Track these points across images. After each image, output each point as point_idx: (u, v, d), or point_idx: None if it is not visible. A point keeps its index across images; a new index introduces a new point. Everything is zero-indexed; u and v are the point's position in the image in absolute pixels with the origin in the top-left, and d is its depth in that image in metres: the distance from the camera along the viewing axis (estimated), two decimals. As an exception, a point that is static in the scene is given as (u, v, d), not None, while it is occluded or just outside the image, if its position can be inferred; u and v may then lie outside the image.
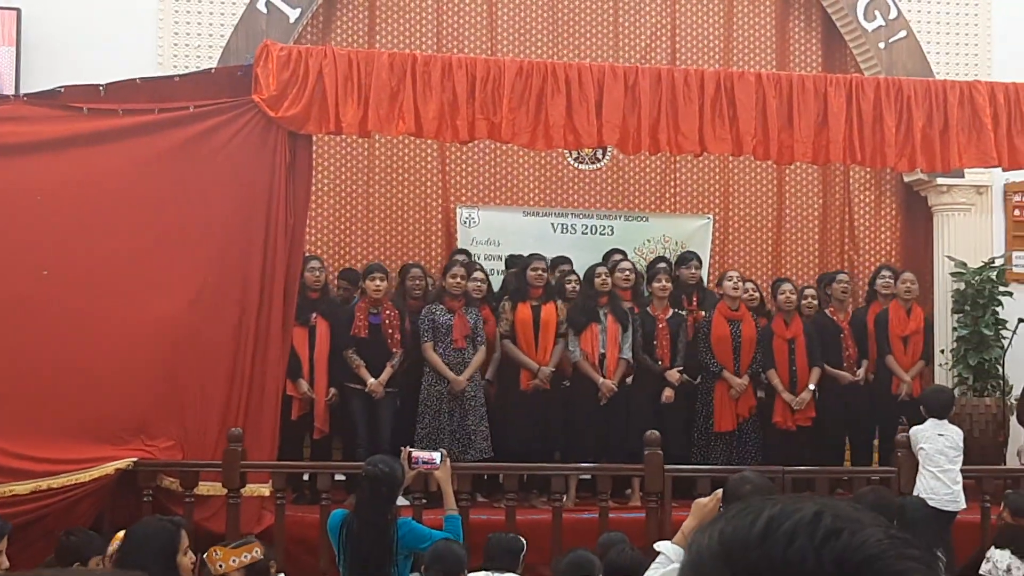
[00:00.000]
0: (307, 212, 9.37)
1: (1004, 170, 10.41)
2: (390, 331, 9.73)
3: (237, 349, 8.55)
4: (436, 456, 7.07)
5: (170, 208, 8.56)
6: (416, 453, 7.08)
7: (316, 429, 9.83)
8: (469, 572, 6.05)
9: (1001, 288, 11.45)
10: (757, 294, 10.77)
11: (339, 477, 9.33)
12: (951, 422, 8.74)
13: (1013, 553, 6.90)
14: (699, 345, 10.18)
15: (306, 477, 9.62)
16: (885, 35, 12.08)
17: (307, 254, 10.01)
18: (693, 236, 12.01)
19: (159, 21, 11.10)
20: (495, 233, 11.63)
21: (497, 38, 12.42)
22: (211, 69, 9.78)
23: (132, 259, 8.44)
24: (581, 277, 10.33)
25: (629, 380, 10.05)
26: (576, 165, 12.44)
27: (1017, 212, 12.36)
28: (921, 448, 8.46)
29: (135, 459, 8.12)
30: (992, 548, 7.08)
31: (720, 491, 4.75)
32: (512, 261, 10.87)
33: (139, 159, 8.58)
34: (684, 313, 10.48)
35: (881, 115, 9.37)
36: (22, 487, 7.86)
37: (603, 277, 10.01)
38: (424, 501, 7.97)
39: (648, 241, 11.89)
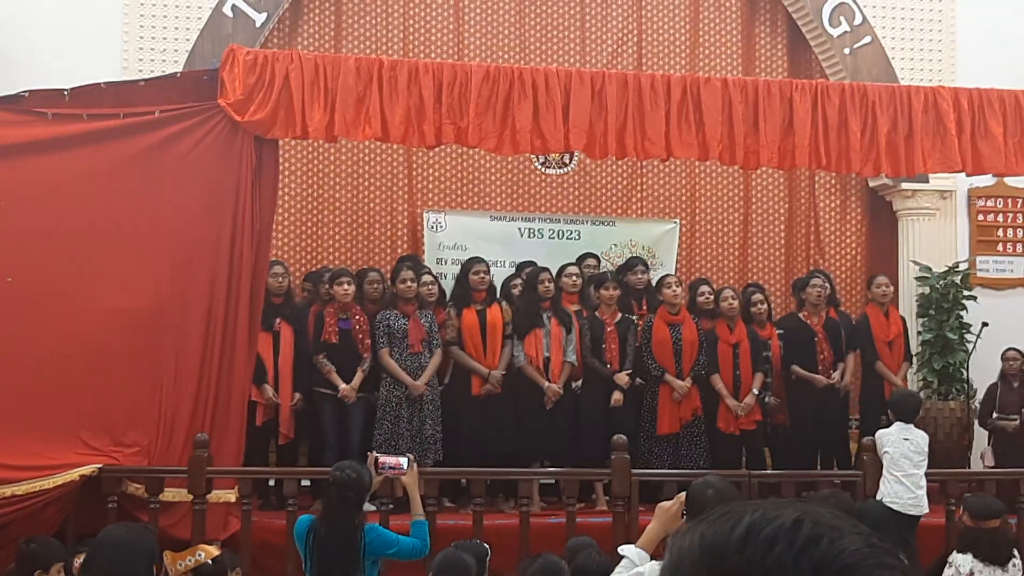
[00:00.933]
0: (273, 217, 9.34)
1: (968, 175, 10.48)
2: (360, 336, 9.71)
3: (203, 355, 8.50)
4: (403, 461, 7.05)
5: (136, 213, 8.50)
6: (383, 458, 7.07)
7: (281, 435, 9.81)
8: None
9: (965, 292, 11.53)
10: (712, 297, 10.75)
11: (305, 483, 9.29)
12: (916, 426, 8.78)
13: (975, 557, 6.92)
14: (641, 349, 10.19)
15: (272, 483, 9.59)
16: (850, 41, 12.15)
17: (271, 259, 9.97)
18: (660, 240, 12.03)
19: (124, 25, 11.06)
20: (462, 238, 11.62)
21: (464, 43, 12.42)
22: (177, 73, 9.74)
23: (97, 265, 8.39)
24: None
25: (575, 384, 10.06)
26: (543, 170, 12.45)
27: (981, 217, 12.45)
28: (886, 452, 8.48)
29: (100, 465, 8.06)
30: (954, 553, 7.11)
31: (683, 495, 4.77)
32: (470, 264, 10.85)
33: (104, 164, 8.53)
34: (632, 317, 10.48)
35: (846, 120, 9.41)
36: (-14, 494, 7.81)
37: (546, 283, 10.00)
38: (391, 506, 7.96)
39: (615, 245, 11.90)
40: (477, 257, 10.28)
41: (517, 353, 9.90)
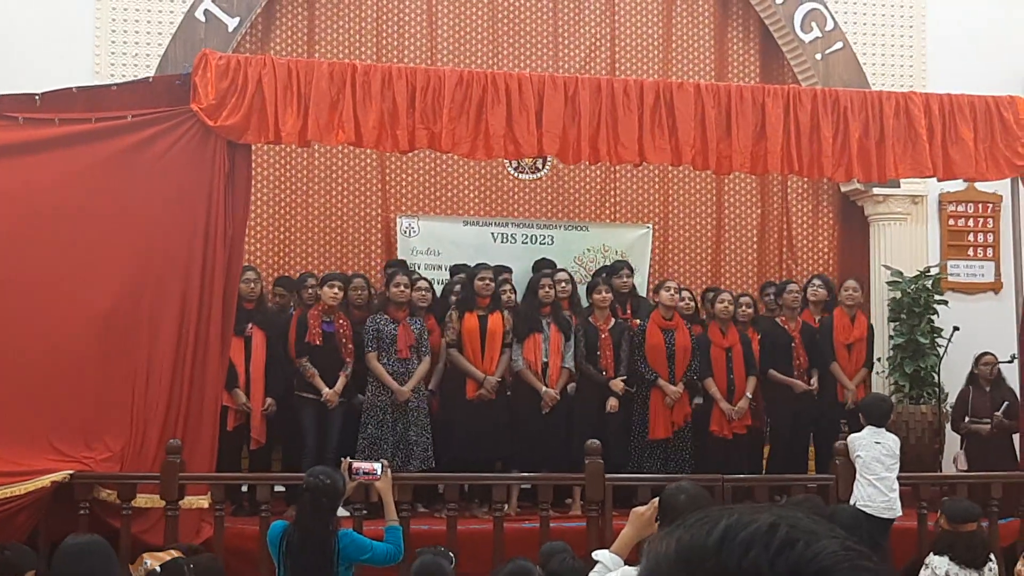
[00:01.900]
0: (246, 222, 9.30)
1: (939, 180, 10.53)
2: (343, 340, 9.70)
3: (176, 360, 8.46)
4: (377, 467, 7.05)
5: (108, 218, 8.46)
6: (356, 464, 7.06)
7: (253, 440, 9.78)
8: None
9: (937, 297, 11.59)
10: (693, 303, 10.79)
11: (279, 488, 9.27)
12: (888, 430, 8.82)
13: (952, 559, 6.96)
14: (633, 354, 10.20)
15: (244, 488, 9.55)
16: (822, 46, 12.21)
17: (243, 264, 9.94)
18: (633, 245, 12.06)
19: (96, 30, 11.02)
20: (435, 243, 11.63)
21: (437, 48, 12.42)
22: (149, 78, 9.73)
23: (69, 270, 8.34)
24: (517, 287, 10.37)
25: (571, 389, 10.07)
26: (516, 175, 12.47)
27: (952, 222, 12.53)
28: (858, 456, 8.52)
29: (71, 471, 8.01)
30: (931, 555, 7.14)
31: (656, 500, 4.77)
32: (457, 271, 10.86)
33: (76, 169, 8.49)
34: (625, 323, 10.49)
35: (818, 125, 9.44)
36: (-44, 502, 7.76)
37: (547, 288, 10.02)
38: (365, 512, 7.95)
39: (588, 250, 11.92)
40: (483, 264, 10.37)
41: (516, 357, 9.91)
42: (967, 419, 10.71)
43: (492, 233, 11.84)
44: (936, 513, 7.91)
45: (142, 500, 8.15)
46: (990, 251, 12.56)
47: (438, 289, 10.73)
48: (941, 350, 11.28)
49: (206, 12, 11.12)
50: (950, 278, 12.28)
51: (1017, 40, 12.40)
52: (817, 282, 11.04)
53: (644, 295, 11.36)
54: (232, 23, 11.19)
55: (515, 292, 10.36)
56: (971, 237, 12.57)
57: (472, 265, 10.64)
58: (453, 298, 10.26)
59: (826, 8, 12.26)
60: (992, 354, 10.74)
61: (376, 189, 12.24)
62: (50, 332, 8.26)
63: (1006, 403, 10.49)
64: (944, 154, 9.68)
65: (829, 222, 13.00)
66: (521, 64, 12.35)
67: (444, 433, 9.74)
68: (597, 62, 12.70)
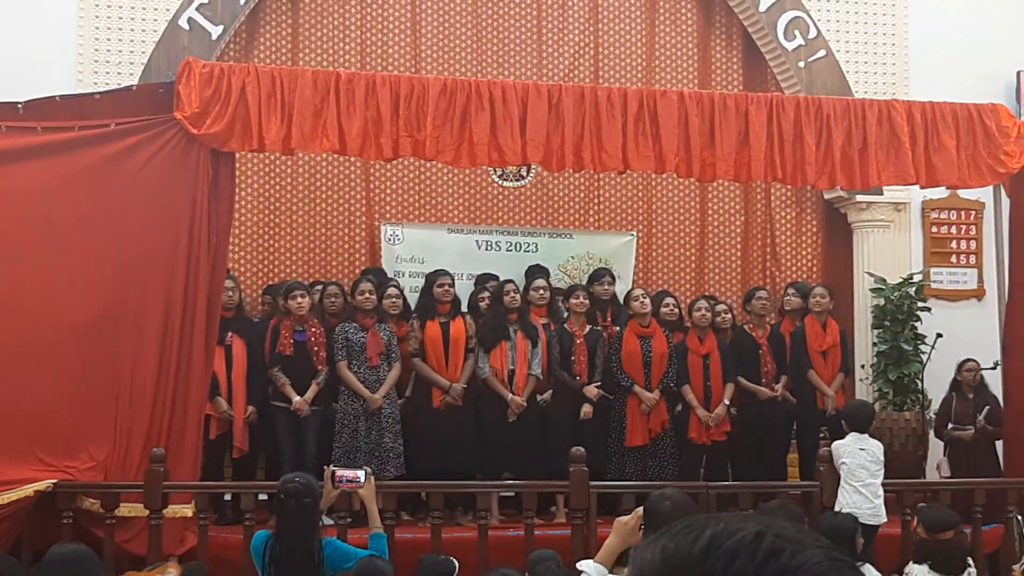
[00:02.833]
0: (230, 230, 9.29)
1: (922, 187, 10.54)
2: (315, 348, 9.69)
3: (159, 369, 8.43)
4: (360, 474, 7.02)
5: (91, 227, 8.43)
6: (340, 471, 7.04)
7: (235, 448, 9.76)
8: None
9: (920, 304, 11.62)
10: (677, 309, 10.79)
11: (262, 497, 9.24)
12: (872, 436, 8.83)
13: (931, 568, 6.97)
14: (609, 360, 10.20)
15: (228, 497, 9.52)
16: (805, 54, 12.24)
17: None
18: (617, 253, 12.07)
19: (79, 37, 11.00)
20: (419, 250, 11.62)
21: (421, 56, 12.42)
22: (132, 86, 9.69)
23: (52, 279, 8.32)
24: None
25: (541, 397, 10.06)
26: (500, 182, 12.47)
27: (935, 229, 12.56)
28: (843, 462, 8.54)
29: (55, 480, 7.98)
30: (911, 563, 7.16)
31: (641, 509, 4.77)
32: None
33: (59, 177, 8.46)
34: (600, 329, 10.50)
35: (801, 133, 9.46)
36: (-61, 512, 7.72)
37: (512, 294, 10.01)
38: (348, 520, 7.93)
39: (572, 258, 11.93)
40: (442, 270, 10.26)
41: (482, 365, 9.89)
42: (950, 426, 10.73)
43: (476, 241, 11.85)
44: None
45: (125, 509, 8.12)
46: (973, 258, 12.60)
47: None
48: (924, 357, 11.30)
49: (190, 20, 11.11)
50: (933, 285, 12.32)
51: (999, 48, 12.45)
52: (791, 290, 11.09)
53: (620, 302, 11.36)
54: (216, 31, 11.17)
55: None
56: (954, 244, 12.61)
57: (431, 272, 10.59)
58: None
59: (809, 16, 12.29)
60: (975, 361, 10.77)
61: (360, 197, 12.22)
62: (33, 341, 8.23)
63: (987, 407, 10.52)
64: (927, 161, 9.70)
65: (812, 229, 13.02)
66: (505, 72, 12.35)
67: (414, 440, 9.73)
68: (581, 70, 12.72)
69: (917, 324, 11.56)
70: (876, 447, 8.71)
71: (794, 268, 12.90)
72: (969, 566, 7.11)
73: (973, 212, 12.53)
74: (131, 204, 8.52)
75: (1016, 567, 7.32)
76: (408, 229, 11.80)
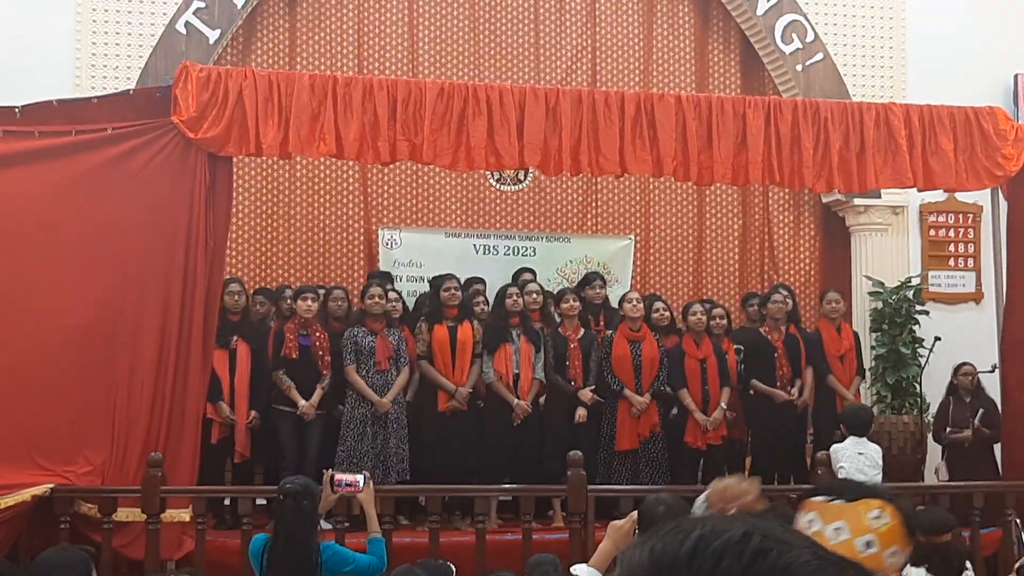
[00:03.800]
0: (228, 234, 9.28)
1: (919, 191, 10.56)
2: (320, 353, 9.67)
3: (157, 373, 8.43)
4: (359, 479, 7.02)
5: (88, 230, 8.43)
6: (339, 476, 7.03)
7: (237, 453, 9.73)
8: None
9: (918, 307, 11.62)
10: (668, 313, 10.77)
11: (260, 501, 9.24)
12: (870, 440, 8.83)
13: (929, 571, 6.96)
14: (600, 364, 10.20)
15: (227, 502, 9.51)
16: (802, 57, 12.25)
17: (227, 276, 9.91)
18: (615, 257, 12.07)
19: (76, 42, 11.00)
20: (417, 254, 11.62)
21: (418, 59, 12.43)
22: (129, 90, 9.68)
23: (49, 283, 8.31)
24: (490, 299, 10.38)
25: (542, 400, 10.06)
26: (498, 186, 12.47)
27: (933, 232, 12.56)
28: (841, 466, 8.54)
29: (52, 485, 7.97)
30: (908, 566, 7.15)
31: (635, 513, 4.77)
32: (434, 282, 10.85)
33: (56, 181, 8.46)
34: (595, 333, 10.48)
35: (799, 136, 9.47)
36: (-64, 517, 7.71)
37: (514, 298, 10.00)
38: (347, 524, 7.92)
39: (570, 262, 11.93)
40: (449, 274, 10.24)
41: (487, 369, 9.88)
42: (948, 429, 10.73)
43: (474, 245, 11.85)
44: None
45: (123, 514, 8.11)
46: (971, 261, 12.60)
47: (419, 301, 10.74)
48: (923, 360, 11.30)
49: (187, 24, 11.11)
50: (931, 288, 12.32)
51: (997, 51, 12.46)
52: (783, 292, 11.04)
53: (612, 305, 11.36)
54: (213, 35, 11.18)
55: (487, 303, 10.35)
56: (952, 247, 12.62)
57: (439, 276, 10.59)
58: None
59: (806, 20, 12.30)
60: (971, 364, 10.76)
61: (358, 201, 12.22)
62: (30, 345, 8.22)
63: (981, 411, 10.52)
64: (924, 165, 9.71)
65: (810, 233, 13.03)
66: (502, 76, 12.35)
67: (417, 445, 9.72)
68: (578, 74, 12.73)
69: (915, 327, 11.57)
70: (875, 451, 8.72)
71: (792, 272, 12.91)
72: (967, 569, 7.10)
73: (971, 215, 12.53)
74: (128, 208, 8.52)
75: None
76: (405, 233, 11.80)
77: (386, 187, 12.33)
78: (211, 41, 11.18)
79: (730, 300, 12.37)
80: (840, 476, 8.51)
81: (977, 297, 12.50)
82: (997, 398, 10.46)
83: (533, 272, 11.13)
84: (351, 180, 12.23)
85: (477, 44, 12.59)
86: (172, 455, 8.30)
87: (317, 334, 9.72)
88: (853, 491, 2.76)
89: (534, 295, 10.31)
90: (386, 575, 6.54)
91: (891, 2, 12.54)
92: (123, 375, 8.39)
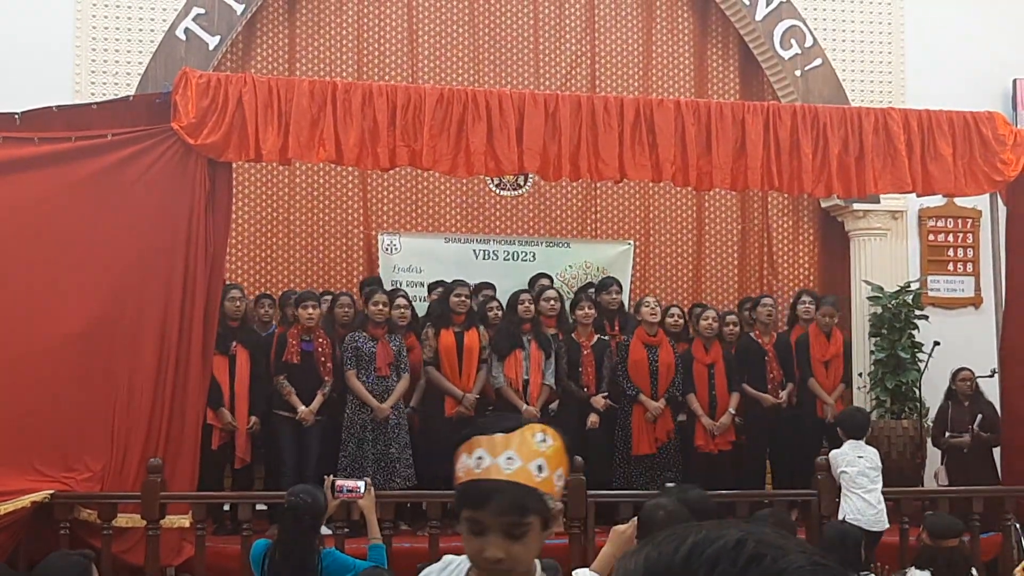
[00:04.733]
0: (227, 240, 9.28)
1: (918, 196, 10.56)
2: (322, 359, 9.67)
3: (157, 379, 8.42)
4: (360, 485, 7.02)
5: (87, 237, 8.43)
6: (340, 482, 7.03)
7: (237, 459, 9.73)
8: None
9: (917, 312, 11.61)
10: (682, 320, 10.79)
11: (260, 507, 9.23)
12: (867, 443, 8.84)
13: (933, 574, 6.98)
14: (616, 369, 10.21)
15: (227, 507, 9.51)
16: (801, 63, 12.25)
17: (227, 282, 9.91)
18: (614, 262, 12.08)
19: (76, 48, 11.00)
20: (417, 260, 11.63)
21: (417, 65, 12.44)
22: (129, 97, 9.69)
23: (49, 289, 8.31)
24: (503, 303, 10.36)
25: (552, 407, 10.05)
26: (497, 192, 12.48)
27: (932, 237, 12.57)
28: (843, 472, 8.55)
29: (51, 491, 7.97)
30: (912, 569, 7.16)
31: (636, 518, 4.76)
32: (435, 287, 10.85)
33: (56, 188, 8.45)
34: (607, 339, 10.50)
35: (798, 142, 9.47)
36: (-64, 523, 7.71)
37: (526, 304, 10.01)
38: (347, 530, 7.91)
39: (570, 267, 11.94)
40: (460, 280, 10.29)
41: (497, 374, 9.89)
42: (947, 434, 10.73)
43: (474, 250, 11.86)
44: (919, 528, 7.92)
45: (123, 520, 8.10)
46: (970, 266, 12.61)
47: (421, 307, 10.73)
48: (922, 365, 11.30)
49: (187, 31, 11.11)
50: (930, 293, 12.33)
51: (996, 56, 12.46)
52: (807, 298, 11.06)
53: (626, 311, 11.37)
54: (213, 41, 11.18)
55: (501, 308, 10.37)
56: (951, 252, 12.62)
57: (450, 282, 10.62)
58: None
59: (805, 25, 12.31)
60: (969, 369, 10.76)
61: (357, 206, 12.24)
62: (29, 351, 8.22)
63: (980, 415, 10.52)
64: (923, 170, 9.71)
65: (809, 238, 13.04)
66: (502, 81, 12.36)
67: (424, 451, 9.70)
68: (577, 79, 12.74)
69: (914, 332, 11.55)
70: (873, 454, 8.74)
71: (791, 277, 12.91)
72: (972, 574, 7.12)
73: (970, 220, 12.54)
74: (128, 214, 8.51)
75: (1017, 570, 7.33)
76: (405, 239, 11.81)
77: (386, 192, 12.34)
78: (211, 47, 11.18)
79: (729, 305, 12.37)
80: (843, 481, 8.53)
81: (976, 302, 12.50)
82: (996, 402, 10.46)
83: (550, 278, 11.16)
84: (351, 186, 12.24)
85: (476, 50, 12.60)
86: (172, 461, 8.30)
87: (320, 340, 9.72)
88: (507, 420, 2.76)
89: (552, 301, 10.32)
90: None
91: (890, 7, 12.55)
92: (123, 381, 8.38)
